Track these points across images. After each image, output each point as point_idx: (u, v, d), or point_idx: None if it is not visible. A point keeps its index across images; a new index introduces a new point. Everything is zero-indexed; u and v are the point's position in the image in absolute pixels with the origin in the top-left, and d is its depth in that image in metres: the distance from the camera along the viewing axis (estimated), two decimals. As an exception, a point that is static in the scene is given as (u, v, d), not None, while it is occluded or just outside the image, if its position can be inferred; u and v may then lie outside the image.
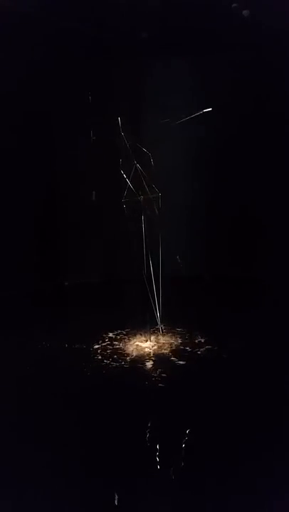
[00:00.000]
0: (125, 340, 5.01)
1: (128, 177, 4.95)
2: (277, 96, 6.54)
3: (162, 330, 5.13)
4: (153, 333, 5.06)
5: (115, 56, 6.72)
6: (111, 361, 4.44)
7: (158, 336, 5.03)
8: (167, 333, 5.14)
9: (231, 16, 5.31)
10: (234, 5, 5.18)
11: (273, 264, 6.91)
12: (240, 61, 6.91)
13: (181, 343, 4.87)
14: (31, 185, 6.95)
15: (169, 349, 4.71)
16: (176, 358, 4.49)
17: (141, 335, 5.07)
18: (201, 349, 4.68)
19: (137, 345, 4.85)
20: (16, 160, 6.73)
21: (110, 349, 4.74)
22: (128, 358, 4.51)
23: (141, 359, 4.47)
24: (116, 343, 4.93)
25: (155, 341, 4.91)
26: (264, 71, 6.65)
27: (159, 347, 4.77)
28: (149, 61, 7.07)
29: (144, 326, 5.09)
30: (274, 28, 5.58)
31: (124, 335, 5.15)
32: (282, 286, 6.46)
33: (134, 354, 4.60)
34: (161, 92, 7.04)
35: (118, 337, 5.09)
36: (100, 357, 4.55)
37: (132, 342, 4.94)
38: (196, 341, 4.88)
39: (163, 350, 4.68)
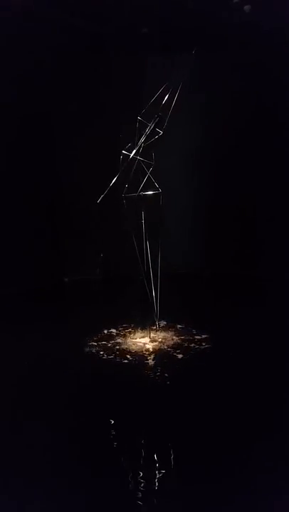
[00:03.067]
0: (125, 336, 5.01)
1: (129, 172, 4.94)
2: (278, 97, 6.53)
3: (162, 326, 5.12)
4: (152, 329, 5.05)
5: (115, 54, 6.71)
6: (111, 357, 4.43)
7: (157, 332, 5.02)
8: (167, 329, 5.14)
9: (232, 13, 5.29)
10: (235, 0, 5.16)
11: (272, 262, 6.91)
12: (240, 61, 6.89)
13: (180, 338, 4.86)
14: (31, 183, 6.94)
15: (168, 345, 4.70)
16: (176, 353, 4.49)
17: (140, 331, 5.07)
18: (200, 345, 4.68)
19: (137, 341, 4.85)
20: (16, 159, 6.72)
21: (110, 345, 4.73)
22: (128, 353, 4.50)
23: (140, 355, 4.47)
24: (116, 339, 4.92)
25: (155, 337, 4.91)
26: (265, 71, 6.63)
27: (158, 343, 4.77)
28: (149, 60, 7.05)
29: (144, 322, 5.08)
30: (274, 27, 5.56)
31: (124, 331, 5.15)
32: (281, 283, 6.46)
33: (134, 350, 4.59)
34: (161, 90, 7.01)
35: (118, 333, 5.09)
36: (99, 353, 4.54)
37: (131, 338, 4.94)
38: (195, 337, 4.88)
39: (162, 346, 4.67)
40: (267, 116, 6.77)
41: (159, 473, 2.78)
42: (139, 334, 5.03)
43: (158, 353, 4.52)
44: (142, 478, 2.74)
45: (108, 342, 4.83)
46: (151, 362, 4.31)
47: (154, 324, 5.05)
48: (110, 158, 5.27)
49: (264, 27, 5.78)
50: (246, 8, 5.16)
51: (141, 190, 4.95)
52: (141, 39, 6.41)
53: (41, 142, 7.03)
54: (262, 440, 3.06)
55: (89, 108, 7.15)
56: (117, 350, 4.61)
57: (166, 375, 4.02)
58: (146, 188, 4.99)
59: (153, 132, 4.86)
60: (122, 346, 4.70)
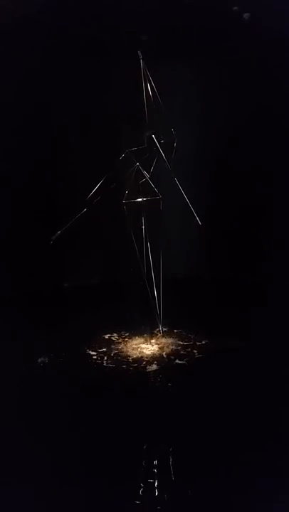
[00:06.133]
0: (125, 342, 5.00)
1: (129, 177, 4.96)
2: (279, 98, 6.55)
3: (162, 331, 5.12)
4: (153, 334, 5.05)
5: (114, 56, 6.72)
6: (111, 363, 4.43)
7: (158, 337, 5.02)
8: (168, 334, 5.13)
9: (232, 18, 5.32)
10: (235, 8, 5.20)
11: (272, 266, 6.92)
12: (241, 63, 6.91)
13: (181, 344, 4.86)
14: (30, 186, 6.93)
15: (169, 350, 4.70)
16: (177, 359, 4.49)
17: (141, 336, 5.07)
18: (202, 350, 4.68)
19: (138, 346, 4.85)
20: (15, 160, 6.70)
21: (110, 351, 4.73)
22: (129, 359, 4.50)
23: (142, 361, 4.46)
24: (116, 344, 4.92)
25: (156, 343, 4.91)
26: (265, 73, 6.65)
27: (159, 348, 4.76)
28: (148, 62, 7.07)
29: (145, 327, 5.08)
30: (275, 29, 5.59)
31: (125, 337, 5.14)
32: (282, 287, 6.46)
33: (135, 356, 4.59)
34: (161, 93, 7.04)
35: (118, 339, 5.08)
36: (100, 359, 4.54)
37: (132, 344, 4.93)
38: (197, 342, 4.88)
39: (163, 352, 4.67)
40: (268, 118, 6.78)
41: (160, 477, 2.78)
42: (139, 340, 5.02)
43: (159, 358, 4.51)
44: (142, 483, 2.75)
45: (109, 347, 4.82)
46: (152, 367, 4.31)
47: (155, 329, 5.05)
48: (111, 163, 5.28)
49: (264, 29, 5.80)
50: (246, 15, 5.20)
51: (141, 196, 4.97)
52: (140, 43, 6.42)
53: (40, 145, 7.02)
54: (263, 445, 3.07)
55: (88, 108, 7.16)
56: (118, 355, 4.60)
57: (169, 384, 4.01)
58: (146, 194, 5.01)
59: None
60: (123, 352, 4.70)
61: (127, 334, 5.19)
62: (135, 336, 5.11)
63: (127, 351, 4.72)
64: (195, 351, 4.66)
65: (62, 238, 7.43)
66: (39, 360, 4.54)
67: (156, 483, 2.77)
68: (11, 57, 6.29)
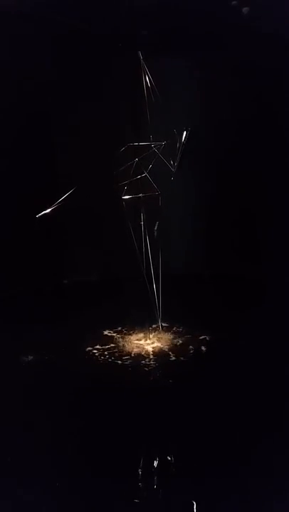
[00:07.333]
0: (125, 338, 5.00)
1: (128, 174, 4.95)
2: (279, 97, 6.53)
3: (162, 328, 5.12)
4: (153, 331, 5.05)
5: (114, 53, 6.70)
6: (111, 359, 4.43)
7: (158, 333, 5.02)
8: (167, 331, 5.13)
9: (231, 13, 5.30)
10: (234, 2, 5.17)
11: (274, 263, 6.91)
12: (241, 61, 6.89)
13: (181, 340, 4.86)
14: (30, 183, 6.92)
15: (169, 347, 4.70)
16: (177, 355, 4.49)
17: (141, 333, 5.07)
18: (201, 347, 4.68)
19: (137, 343, 4.85)
20: (15, 156, 6.69)
21: (110, 347, 4.73)
22: (128, 356, 4.50)
23: (141, 357, 4.46)
24: (116, 341, 4.92)
25: (155, 339, 4.91)
26: (265, 72, 6.63)
27: (159, 345, 4.76)
28: (149, 60, 7.04)
29: (144, 324, 5.08)
30: (274, 27, 5.57)
31: (124, 333, 5.14)
32: (283, 284, 6.46)
33: (134, 352, 4.59)
34: (161, 92, 7.03)
35: (118, 335, 5.08)
36: (99, 355, 4.54)
37: (131, 340, 4.93)
38: (196, 339, 4.88)
39: (163, 348, 4.67)
40: (269, 116, 6.76)
41: (159, 475, 2.79)
42: (139, 336, 5.03)
43: (158, 354, 4.52)
44: (142, 481, 2.75)
45: (108, 344, 4.82)
46: (151, 364, 4.31)
47: (155, 326, 5.05)
48: (110, 159, 5.26)
49: (264, 26, 5.78)
50: (245, 9, 5.17)
51: (140, 192, 4.96)
52: (140, 39, 6.41)
53: (40, 144, 7.00)
54: (263, 443, 3.07)
55: (88, 106, 7.14)
56: (117, 352, 4.60)
57: (170, 381, 4.01)
58: (145, 190, 5.01)
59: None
60: (123, 348, 4.70)
61: (126, 330, 5.19)
62: (135, 332, 5.11)
63: (127, 347, 4.72)
64: (194, 348, 4.66)
65: (61, 236, 7.46)
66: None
67: (155, 482, 2.78)
68: (10, 56, 6.28)
